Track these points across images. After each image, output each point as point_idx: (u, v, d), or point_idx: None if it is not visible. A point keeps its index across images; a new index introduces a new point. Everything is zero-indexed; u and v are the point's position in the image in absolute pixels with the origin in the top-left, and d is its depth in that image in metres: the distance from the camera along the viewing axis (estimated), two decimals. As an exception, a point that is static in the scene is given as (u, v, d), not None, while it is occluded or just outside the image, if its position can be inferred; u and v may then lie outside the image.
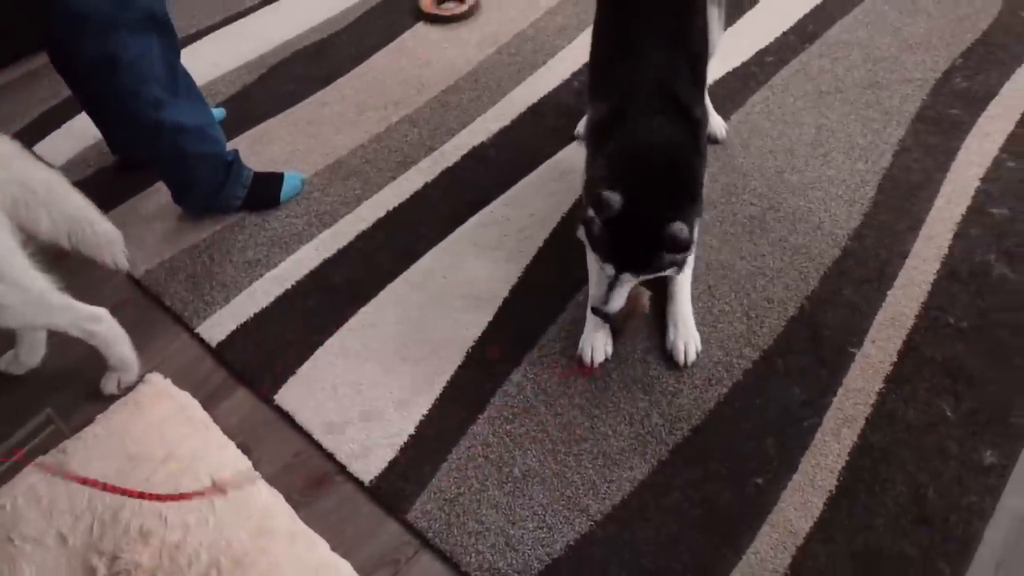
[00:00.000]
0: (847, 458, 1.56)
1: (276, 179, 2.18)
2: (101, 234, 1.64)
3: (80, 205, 1.59)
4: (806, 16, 2.62)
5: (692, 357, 1.73)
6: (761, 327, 1.79)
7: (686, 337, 1.74)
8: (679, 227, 1.51)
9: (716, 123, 2.20)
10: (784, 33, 2.55)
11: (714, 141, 2.18)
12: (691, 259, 1.80)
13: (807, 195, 2.06)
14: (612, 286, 1.63)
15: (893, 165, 2.11)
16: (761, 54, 2.48)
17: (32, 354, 1.83)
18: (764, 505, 1.51)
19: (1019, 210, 1.96)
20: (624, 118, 1.66)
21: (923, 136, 2.18)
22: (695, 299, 1.83)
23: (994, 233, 1.92)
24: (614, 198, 1.54)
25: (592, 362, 1.74)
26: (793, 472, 1.55)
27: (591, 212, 1.59)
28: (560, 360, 1.78)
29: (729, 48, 2.33)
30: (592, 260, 1.84)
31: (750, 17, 2.64)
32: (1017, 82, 2.30)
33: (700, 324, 1.78)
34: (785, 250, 1.94)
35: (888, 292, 1.83)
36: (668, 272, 1.67)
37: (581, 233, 1.67)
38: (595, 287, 1.81)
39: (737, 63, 2.45)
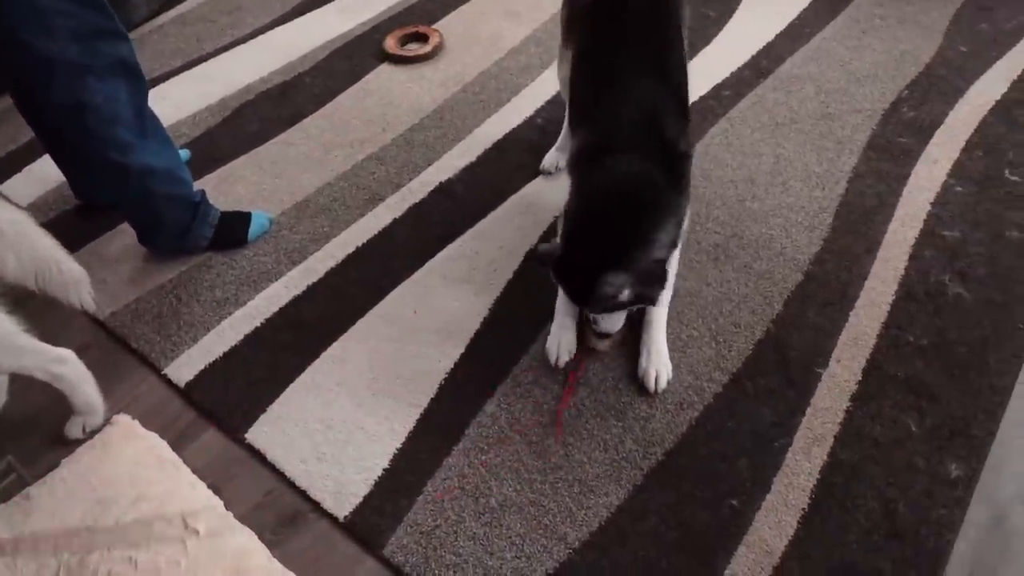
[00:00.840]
0: (818, 476, 1.59)
1: (243, 218, 2.17)
2: (68, 275, 1.61)
3: (48, 246, 1.57)
4: (759, 52, 2.72)
5: (663, 385, 1.75)
6: (729, 351, 1.82)
7: (658, 365, 1.77)
8: (609, 281, 1.55)
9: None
10: (739, 68, 2.64)
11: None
12: (669, 289, 1.83)
13: (768, 222, 2.12)
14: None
15: (848, 191, 2.18)
16: (718, 88, 2.56)
17: (-8, 401, 1.79)
18: (740, 526, 1.53)
19: (969, 232, 2.04)
20: (600, 152, 1.69)
21: (875, 163, 2.26)
22: (664, 326, 1.85)
23: (947, 254, 1.99)
24: (549, 249, 1.64)
25: (558, 362, 1.77)
26: (767, 492, 1.57)
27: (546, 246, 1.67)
28: (533, 390, 1.78)
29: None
30: None
31: (705, 54, 2.73)
32: (960, 111, 2.41)
33: (670, 350, 1.81)
34: (750, 276, 1.98)
35: (850, 313, 1.88)
36: (641, 305, 1.70)
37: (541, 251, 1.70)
38: (560, 301, 1.85)
39: (695, 97, 2.52)
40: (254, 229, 2.18)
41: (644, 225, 1.62)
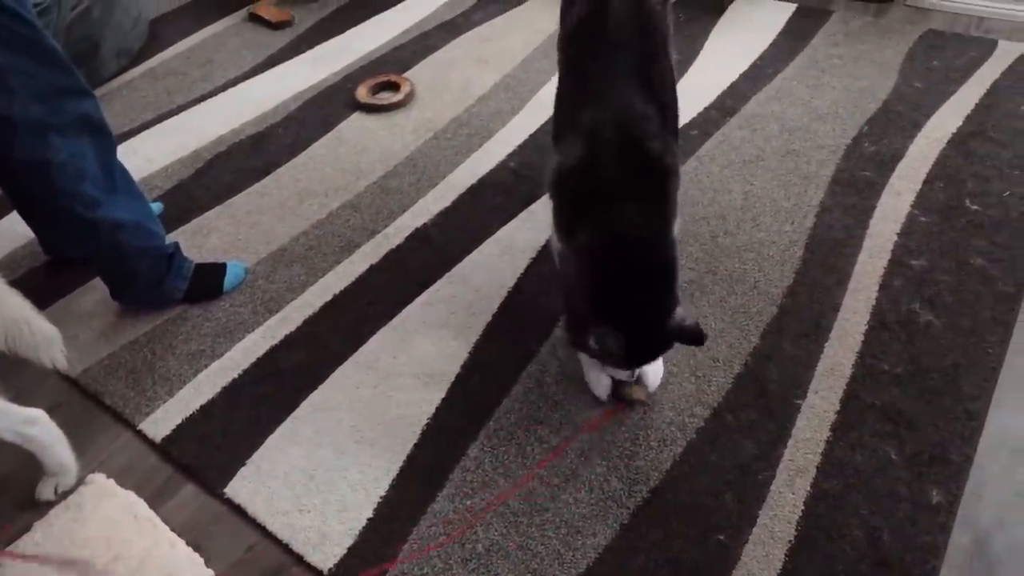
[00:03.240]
0: (803, 507, 1.59)
1: (218, 269, 2.16)
2: (38, 334, 1.58)
3: (17, 305, 1.54)
4: (723, 93, 2.79)
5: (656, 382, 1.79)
6: (709, 386, 1.84)
7: (654, 366, 1.78)
8: (681, 315, 1.59)
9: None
10: (705, 108, 2.71)
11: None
12: None
13: (741, 257, 2.15)
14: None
15: (817, 225, 2.23)
16: (686, 128, 2.61)
17: (-39, 464, 1.74)
18: (728, 560, 1.52)
19: (935, 260, 2.09)
20: (583, 177, 1.65)
21: (841, 197, 2.32)
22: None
23: (915, 283, 2.04)
24: (614, 341, 1.55)
25: (602, 396, 1.80)
26: (753, 526, 1.57)
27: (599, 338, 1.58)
28: (516, 432, 1.78)
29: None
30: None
31: (671, 96, 2.80)
32: (919, 144, 2.48)
33: (650, 386, 1.82)
34: (725, 310, 2.01)
35: (825, 344, 1.91)
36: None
37: (589, 347, 1.62)
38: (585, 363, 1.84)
39: (663, 138, 2.57)
40: (229, 280, 2.16)
41: (669, 261, 1.65)
